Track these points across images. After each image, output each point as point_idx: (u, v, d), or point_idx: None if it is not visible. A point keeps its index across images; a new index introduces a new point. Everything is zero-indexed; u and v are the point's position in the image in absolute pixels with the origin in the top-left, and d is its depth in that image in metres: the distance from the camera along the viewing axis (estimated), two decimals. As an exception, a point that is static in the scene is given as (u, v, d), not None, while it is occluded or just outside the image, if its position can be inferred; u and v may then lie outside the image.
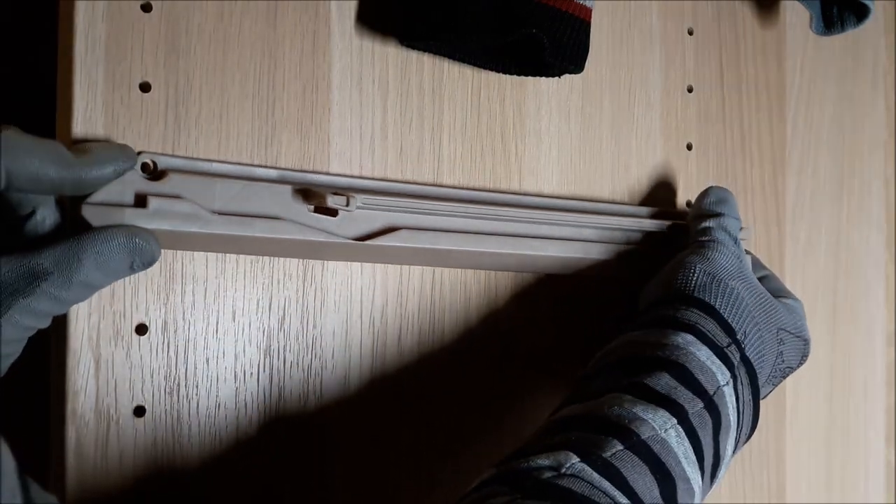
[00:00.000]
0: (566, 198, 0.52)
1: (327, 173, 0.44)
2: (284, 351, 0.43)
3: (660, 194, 0.57)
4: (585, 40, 0.48)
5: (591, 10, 0.48)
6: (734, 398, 0.42)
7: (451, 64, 0.49)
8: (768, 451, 0.64)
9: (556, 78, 0.52)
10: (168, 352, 0.40)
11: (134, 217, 0.36)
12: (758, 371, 0.44)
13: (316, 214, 0.41)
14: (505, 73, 0.50)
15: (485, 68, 0.49)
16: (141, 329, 0.40)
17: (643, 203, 0.57)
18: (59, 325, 0.38)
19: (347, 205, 0.41)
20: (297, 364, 0.44)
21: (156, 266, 0.40)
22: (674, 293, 0.46)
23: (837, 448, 0.70)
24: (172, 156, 0.40)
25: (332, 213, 0.41)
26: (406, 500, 0.47)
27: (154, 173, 0.38)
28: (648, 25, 0.57)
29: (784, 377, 0.49)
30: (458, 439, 0.48)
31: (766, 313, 0.46)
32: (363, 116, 0.46)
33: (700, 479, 0.39)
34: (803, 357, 0.49)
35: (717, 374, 0.41)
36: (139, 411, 0.39)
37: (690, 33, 0.60)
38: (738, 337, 0.44)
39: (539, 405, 0.51)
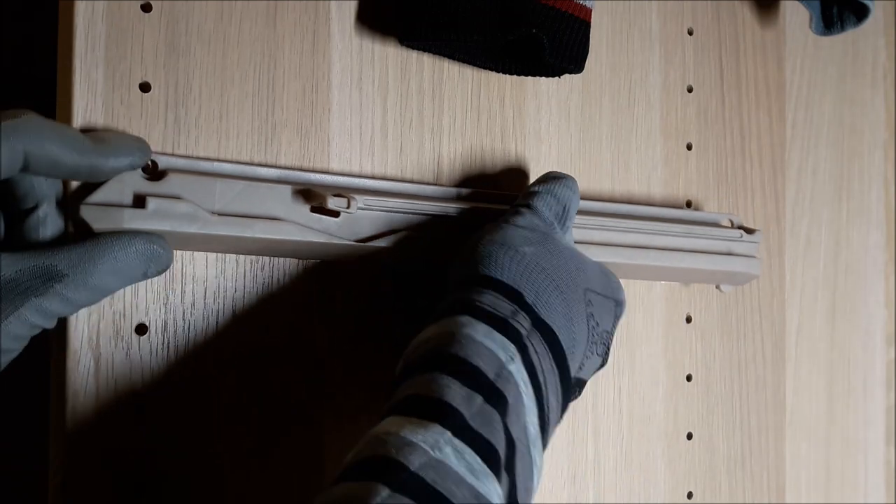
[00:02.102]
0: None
1: (329, 172, 0.44)
2: (285, 350, 0.43)
3: (659, 194, 0.57)
4: (585, 40, 0.48)
5: (591, 11, 0.48)
6: (525, 372, 0.37)
7: (451, 64, 0.49)
8: (768, 451, 0.64)
9: (556, 78, 0.52)
10: (168, 352, 0.40)
11: (133, 218, 0.36)
12: (560, 334, 0.40)
13: (317, 215, 0.41)
14: (505, 73, 0.50)
15: (485, 68, 0.49)
16: (141, 329, 0.40)
17: (643, 203, 0.57)
18: (60, 325, 0.38)
19: (348, 207, 0.40)
20: (297, 364, 0.44)
21: (156, 266, 0.40)
22: (464, 274, 0.41)
23: (837, 448, 0.70)
24: (173, 155, 0.40)
25: (334, 214, 0.41)
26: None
27: (154, 173, 0.38)
28: (648, 25, 0.57)
29: (607, 344, 0.44)
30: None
31: (569, 274, 0.42)
32: (363, 116, 0.46)
33: (496, 483, 0.33)
34: (616, 319, 0.45)
35: (497, 352, 0.36)
36: (139, 411, 0.39)
37: (690, 33, 0.60)
38: (529, 300, 0.39)
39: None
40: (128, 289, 0.39)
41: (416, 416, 0.33)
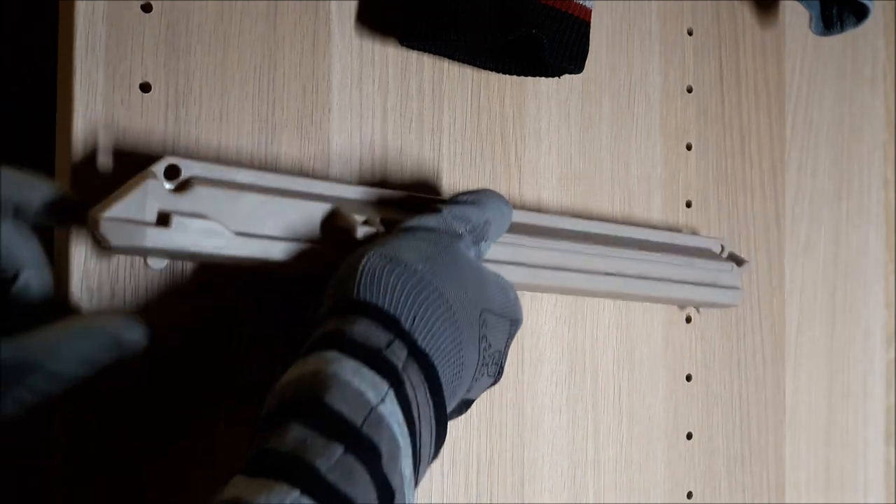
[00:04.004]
0: (565, 214, 0.52)
1: (363, 183, 0.42)
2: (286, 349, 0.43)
3: (659, 194, 0.58)
4: (585, 41, 0.48)
5: (590, 11, 0.48)
6: (399, 411, 0.33)
7: (451, 64, 0.49)
8: (768, 451, 0.64)
9: (556, 78, 0.52)
10: (168, 351, 0.40)
11: (155, 238, 0.35)
12: (440, 363, 0.36)
13: (343, 240, 0.39)
14: (505, 73, 0.50)
15: (485, 68, 0.49)
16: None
17: (641, 204, 0.57)
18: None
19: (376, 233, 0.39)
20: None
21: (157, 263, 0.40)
22: (340, 296, 0.36)
23: (837, 447, 0.70)
24: (197, 159, 0.38)
25: (361, 242, 0.39)
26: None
27: (177, 182, 0.36)
28: (648, 26, 0.57)
29: (500, 364, 0.41)
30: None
31: (467, 293, 0.38)
32: (363, 116, 0.46)
33: None
34: (510, 337, 0.42)
35: (367, 392, 0.32)
36: (139, 413, 0.39)
37: (690, 34, 0.60)
38: (406, 326, 0.35)
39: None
40: (128, 289, 0.39)
41: (264, 475, 0.30)
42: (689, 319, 0.59)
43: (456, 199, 0.41)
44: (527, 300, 0.51)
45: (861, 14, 0.60)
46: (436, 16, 0.44)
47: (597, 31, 0.54)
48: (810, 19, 0.62)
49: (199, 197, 0.36)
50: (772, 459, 0.64)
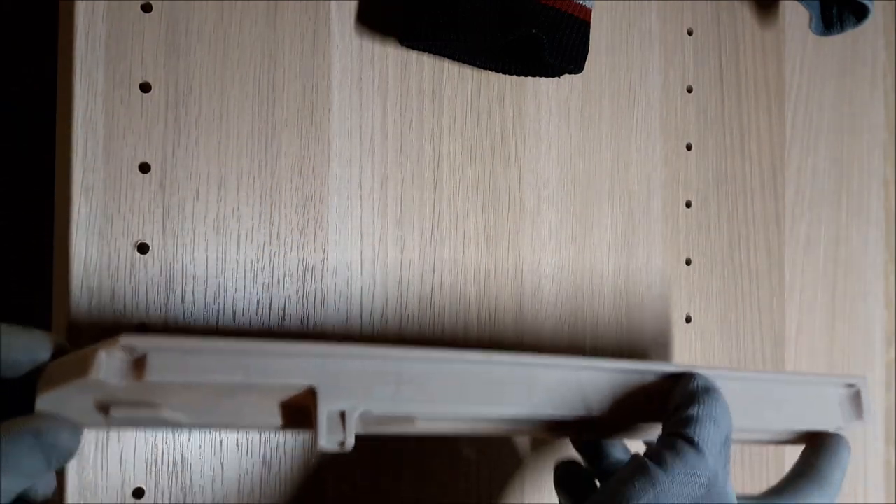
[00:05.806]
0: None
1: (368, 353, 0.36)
2: (284, 351, 0.43)
3: (659, 194, 0.58)
4: (585, 40, 0.48)
5: (590, 11, 0.48)
6: None
7: (451, 64, 0.49)
8: (768, 451, 0.64)
9: (556, 78, 0.52)
10: (168, 352, 0.40)
11: (92, 421, 0.31)
12: None
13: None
14: (505, 73, 0.50)
15: (485, 68, 0.50)
16: (141, 329, 0.40)
17: (641, 204, 0.57)
18: (61, 324, 0.38)
19: (342, 446, 0.33)
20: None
21: (156, 266, 0.40)
22: None
23: (837, 448, 0.70)
24: (160, 335, 0.33)
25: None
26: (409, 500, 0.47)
27: (129, 361, 0.31)
28: (648, 26, 0.57)
29: None
30: (458, 439, 0.49)
31: None
32: (363, 116, 0.46)
33: None
34: None
35: None
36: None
37: (690, 34, 0.60)
38: None
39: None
40: (128, 289, 0.39)
41: None
42: (688, 319, 0.59)
43: (690, 417, 0.36)
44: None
45: (861, 14, 0.60)
46: (436, 16, 0.44)
47: (597, 31, 0.54)
48: (810, 19, 0.62)
49: (149, 387, 0.31)
50: (772, 459, 0.64)
